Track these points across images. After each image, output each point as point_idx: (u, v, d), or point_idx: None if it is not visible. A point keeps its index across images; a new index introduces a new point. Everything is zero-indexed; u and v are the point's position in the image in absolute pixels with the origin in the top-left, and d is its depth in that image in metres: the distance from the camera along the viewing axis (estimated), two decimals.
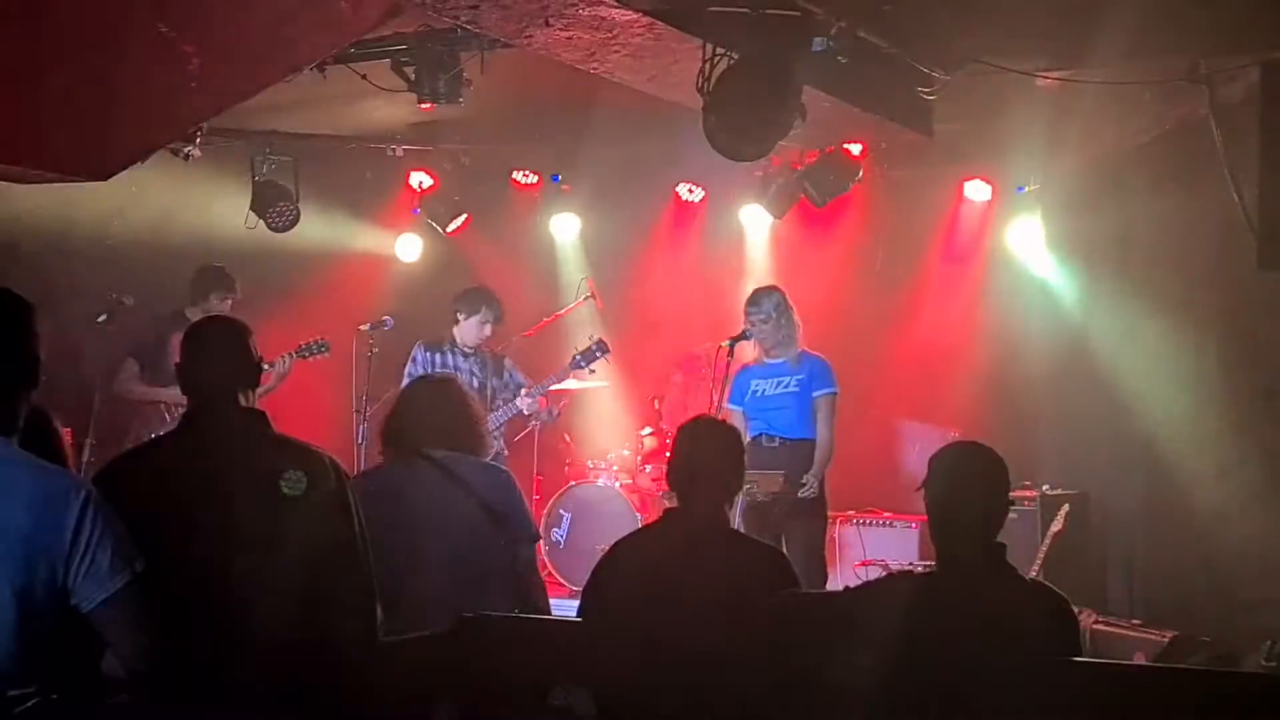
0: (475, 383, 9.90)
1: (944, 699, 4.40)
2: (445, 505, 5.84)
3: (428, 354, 10.16)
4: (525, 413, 10.29)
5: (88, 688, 3.77)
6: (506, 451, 10.48)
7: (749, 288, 9.95)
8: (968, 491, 4.83)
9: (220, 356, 4.61)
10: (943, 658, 4.51)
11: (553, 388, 10.63)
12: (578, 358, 10.53)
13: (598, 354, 10.54)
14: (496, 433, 10.00)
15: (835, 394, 9.35)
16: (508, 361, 10.39)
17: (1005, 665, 4.46)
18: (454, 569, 5.74)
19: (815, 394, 9.30)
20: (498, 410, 10.04)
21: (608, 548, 5.51)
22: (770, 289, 9.51)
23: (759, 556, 5.35)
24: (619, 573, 5.27)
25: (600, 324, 12.37)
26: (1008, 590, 4.75)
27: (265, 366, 4.88)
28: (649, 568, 5.19)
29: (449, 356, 10.17)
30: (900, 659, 4.53)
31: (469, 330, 10.15)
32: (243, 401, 4.58)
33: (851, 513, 10.99)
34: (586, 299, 12.26)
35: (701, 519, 5.27)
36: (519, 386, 10.26)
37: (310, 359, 10.42)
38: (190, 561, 4.26)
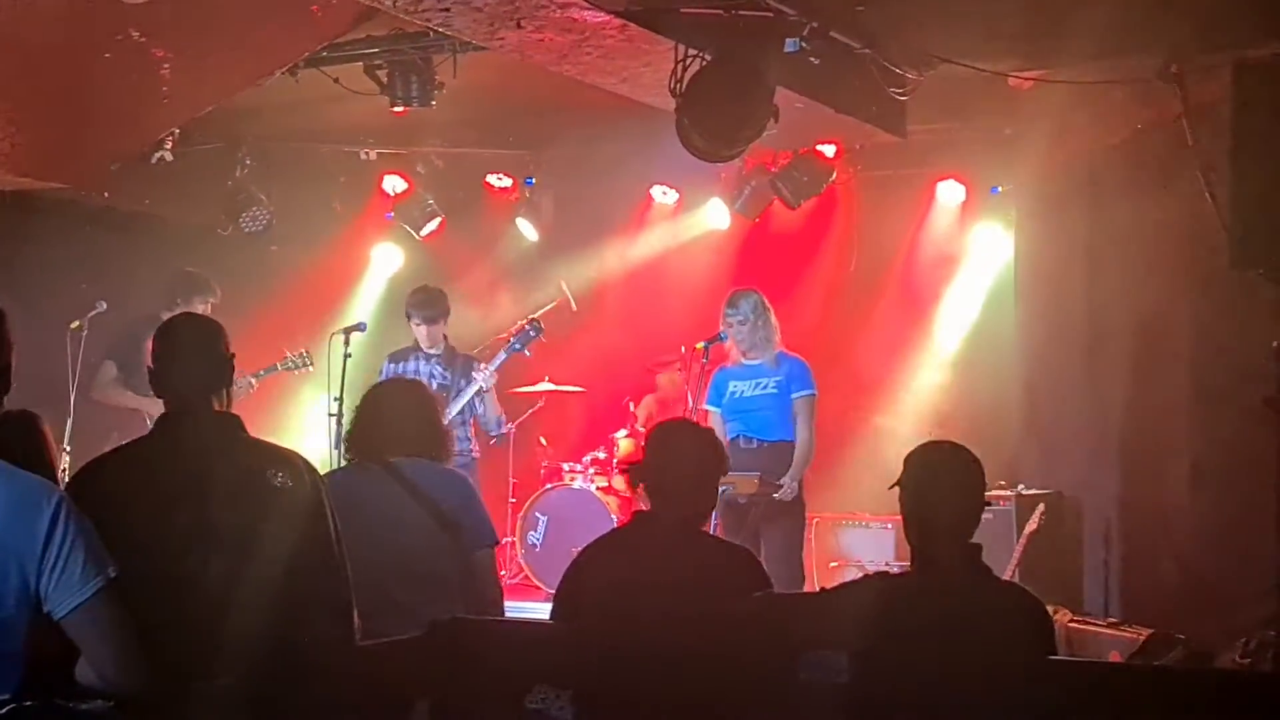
0: (435, 384, 9.87)
1: (920, 699, 4.40)
2: (397, 512, 5.80)
3: (392, 365, 10.13)
4: (484, 388, 10.02)
5: (62, 695, 3.74)
6: (476, 453, 10.34)
7: (724, 289, 9.96)
8: (943, 490, 4.83)
9: (192, 356, 4.58)
10: (919, 658, 4.51)
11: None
12: (513, 341, 10.36)
13: (532, 334, 10.40)
14: (462, 432, 9.93)
15: (814, 395, 9.35)
16: (480, 365, 10.19)
17: (981, 665, 4.46)
18: (406, 576, 5.70)
19: (794, 395, 9.30)
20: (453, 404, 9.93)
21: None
22: (748, 290, 9.49)
23: (729, 558, 5.34)
24: (590, 576, 5.26)
25: (574, 326, 12.38)
26: (983, 591, 4.75)
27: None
28: (619, 570, 5.18)
29: (412, 363, 10.13)
30: (876, 659, 4.53)
31: (418, 334, 10.15)
32: (216, 404, 4.56)
33: (828, 513, 11.00)
34: (560, 302, 12.27)
35: (671, 522, 5.26)
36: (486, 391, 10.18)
37: (293, 372, 10.42)
38: (165, 565, 4.24)
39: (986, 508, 4.98)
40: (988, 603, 4.71)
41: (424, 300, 10.17)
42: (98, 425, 9.73)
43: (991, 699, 4.33)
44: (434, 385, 9.81)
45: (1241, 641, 7.53)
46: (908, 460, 4.92)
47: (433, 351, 10.12)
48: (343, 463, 6.22)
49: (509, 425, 10.56)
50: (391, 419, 6.06)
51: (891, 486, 4.92)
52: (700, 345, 9.29)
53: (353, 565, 5.45)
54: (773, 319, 9.40)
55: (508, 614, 6.26)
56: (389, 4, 7.03)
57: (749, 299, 9.37)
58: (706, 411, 9.43)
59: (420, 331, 10.12)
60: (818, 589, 6.31)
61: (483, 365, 10.09)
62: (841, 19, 7.56)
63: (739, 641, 4.76)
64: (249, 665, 4.29)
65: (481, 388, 9.92)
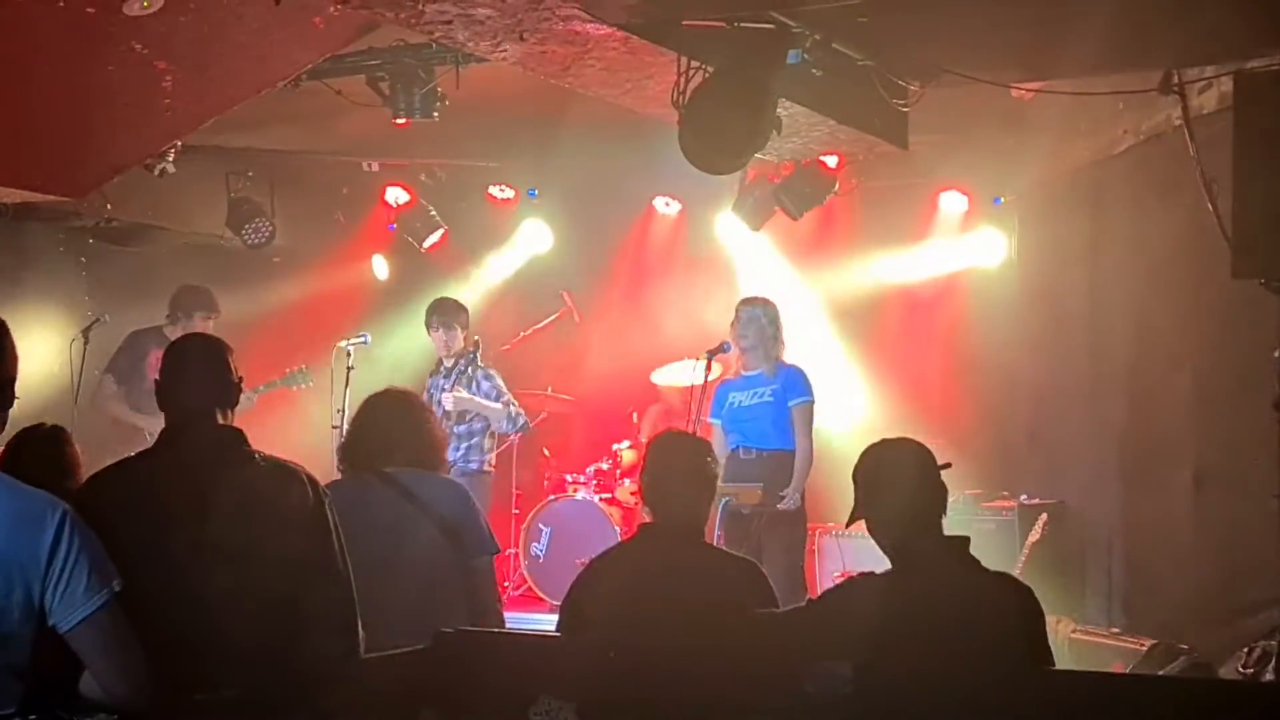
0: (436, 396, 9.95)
1: (924, 708, 4.40)
2: (399, 522, 5.82)
3: (430, 379, 10.23)
4: (450, 409, 10.02)
5: (66, 708, 3.75)
6: (490, 468, 10.40)
7: (726, 301, 9.96)
8: (913, 484, 4.83)
9: (200, 374, 4.60)
10: (919, 661, 4.51)
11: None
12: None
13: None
14: (467, 443, 10.00)
15: (810, 402, 9.36)
16: (480, 372, 10.25)
17: (980, 667, 4.46)
18: (410, 586, 5.71)
19: (791, 403, 9.31)
20: None
21: (586, 562, 5.52)
22: (767, 299, 9.55)
23: (734, 569, 5.35)
24: (596, 588, 5.27)
25: (577, 337, 12.39)
26: (974, 582, 4.74)
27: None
28: (626, 583, 5.18)
29: (434, 378, 10.27)
30: (878, 669, 4.53)
31: (434, 341, 10.31)
32: (221, 419, 4.57)
33: (830, 524, 11.00)
34: (563, 313, 12.30)
35: (676, 533, 5.27)
36: (496, 393, 10.18)
37: (293, 388, 10.43)
38: (169, 579, 4.25)
39: (990, 518, 4.99)
40: (978, 591, 4.70)
41: (434, 306, 10.38)
42: (100, 438, 9.73)
43: (995, 710, 4.33)
44: (435, 397, 9.89)
45: (1245, 651, 7.53)
46: (864, 460, 4.92)
47: (448, 363, 10.17)
48: (337, 474, 6.21)
49: (523, 418, 10.41)
50: (383, 429, 6.08)
51: (853, 519, 4.93)
52: (703, 356, 9.29)
53: (356, 576, 5.45)
54: (781, 333, 9.42)
55: (512, 625, 6.26)
56: (391, 16, 7.04)
57: (766, 304, 9.43)
58: (710, 424, 9.45)
59: (434, 338, 10.27)
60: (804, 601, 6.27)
61: (486, 377, 10.19)
62: (844, 31, 7.55)
63: (743, 654, 4.76)
64: (252, 678, 4.30)
65: (448, 410, 9.93)
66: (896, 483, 4.82)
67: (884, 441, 5.02)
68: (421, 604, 5.62)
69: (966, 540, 4.80)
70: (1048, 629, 4.93)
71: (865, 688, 4.44)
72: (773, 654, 4.85)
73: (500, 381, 10.30)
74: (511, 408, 10.23)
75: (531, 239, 12.96)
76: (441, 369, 10.28)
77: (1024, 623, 4.70)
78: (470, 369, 10.20)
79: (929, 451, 4.91)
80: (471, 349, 10.22)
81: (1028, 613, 4.73)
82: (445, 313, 10.27)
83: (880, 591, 4.79)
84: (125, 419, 10.02)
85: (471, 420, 10.08)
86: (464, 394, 10.05)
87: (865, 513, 4.88)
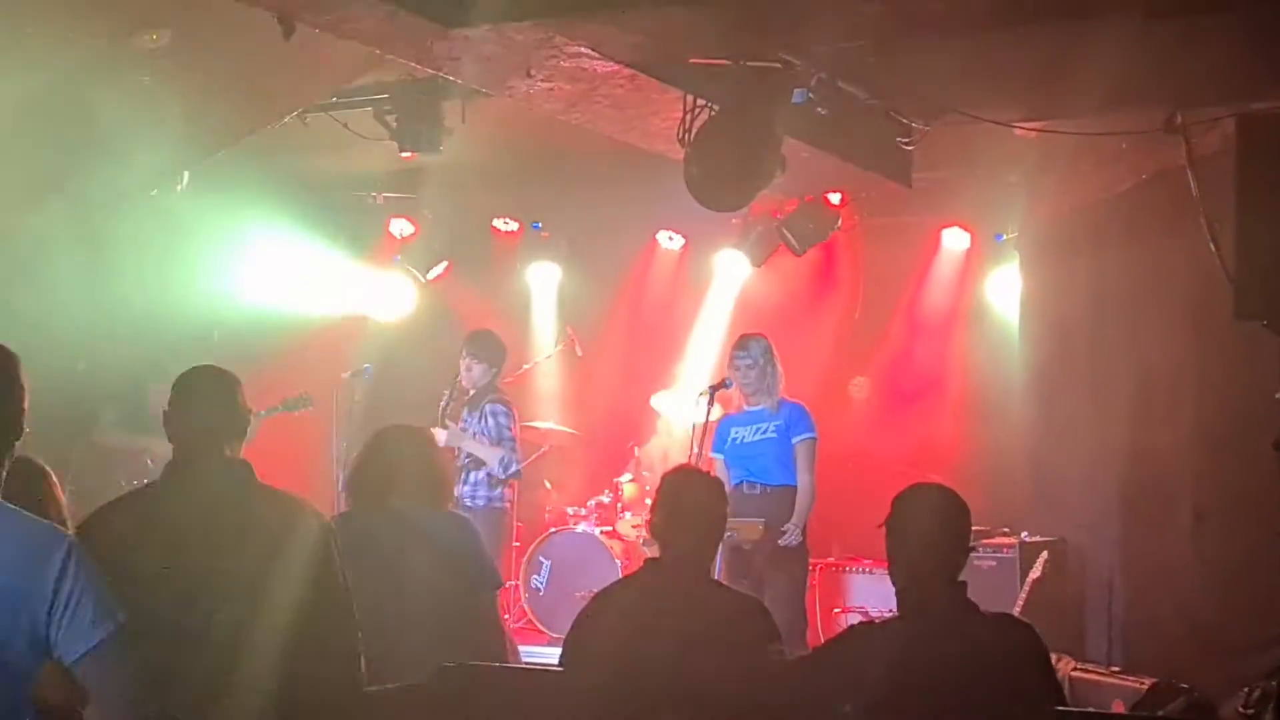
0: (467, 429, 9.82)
1: None
2: (401, 557, 5.82)
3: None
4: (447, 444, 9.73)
5: None
6: (501, 504, 10.09)
7: (729, 335, 9.97)
8: (934, 532, 4.84)
9: (208, 406, 4.61)
10: (923, 703, 4.52)
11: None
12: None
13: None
14: (476, 476, 9.83)
15: (814, 439, 9.36)
16: (489, 407, 9.91)
17: (987, 707, 4.47)
18: (414, 621, 5.71)
19: (794, 439, 9.32)
20: None
21: (588, 595, 5.53)
22: (757, 335, 9.54)
23: (739, 606, 5.36)
24: (600, 623, 5.27)
25: (579, 370, 12.41)
26: (976, 627, 4.76)
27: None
28: (630, 618, 5.19)
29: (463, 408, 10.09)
30: (883, 706, 4.54)
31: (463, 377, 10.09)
32: (228, 451, 4.59)
33: (831, 559, 11.00)
34: (566, 346, 12.32)
35: (682, 569, 5.28)
36: (497, 433, 10.02)
37: (294, 413, 10.41)
38: (174, 611, 4.26)
39: (991, 555, 5.01)
40: (984, 638, 4.72)
41: (471, 336, 10.12)
42: (100, 468, 9.73)
43: None
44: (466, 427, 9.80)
45: (1245, 691, 7.52)
46: (895, 502, 4.94)
47: (471, 394, 10.03)
48: (343, 508, 6.21)
49: (515, 466, 9.96)
50: (387, 463, 6.08)
51: (879, 525, 4.93)
52: (704, 392, 9.30)
53: (362, 611, 5.46)
54: (778, 366, 9.44)
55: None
56: (400, 52, 7.08)
57: (758, 343, 9.41)
58: (712, 459, 9.45)
59: (460, 365, 10.02)
60: (805, 654, 6.20)
61: (496, 412, 9.90)
62: (849, 70, 7.60)
63: (751, 700, 4.76)
64: (257, 711, 4.31)
65: (447, 444, 9.68)
66: (915, 530, 4.84)
67: (916, 486, 5.04)
68: (426, 639, 5.62)
69: (964, 585, 4.81)
70: None
71: None
72: (780, 701, 4.86)
73: (508, 421, 9.89)
74: (506, 452, 9.84)
75: (535, 272, 12.99)
76: (466, 398, 10.05)
77: (1031, 662, 4.72)
78: (483, 402, 9.93)
79: (959, 504, 4.90)
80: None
81: (1033, 651, 4.75)
82: (472, 343, 10.02)
83: (886, 639, 4.80)
84: (128, 445, 10.00)
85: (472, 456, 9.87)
86: (456, 430, 9.87)
87: (889, 552, 4.90)
